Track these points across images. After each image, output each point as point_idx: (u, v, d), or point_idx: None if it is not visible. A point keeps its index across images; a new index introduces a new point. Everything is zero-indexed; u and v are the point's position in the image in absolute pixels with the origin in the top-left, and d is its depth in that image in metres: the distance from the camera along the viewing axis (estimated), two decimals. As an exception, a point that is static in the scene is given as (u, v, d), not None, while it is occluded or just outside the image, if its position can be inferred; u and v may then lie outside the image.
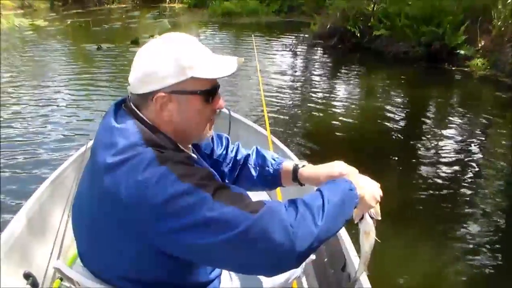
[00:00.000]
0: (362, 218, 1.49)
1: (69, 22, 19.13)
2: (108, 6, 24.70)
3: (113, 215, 1.21)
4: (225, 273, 1.67)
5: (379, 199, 1.47)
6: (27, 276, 2.11)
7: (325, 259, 2.50)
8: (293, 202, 1.23)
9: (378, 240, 1.50)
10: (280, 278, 1.82)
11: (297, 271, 1.95)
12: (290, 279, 1.91)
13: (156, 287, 1.31)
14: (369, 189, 1.44)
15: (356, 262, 2.04)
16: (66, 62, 11.78)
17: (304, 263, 1.67)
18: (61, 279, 1.80)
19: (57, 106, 7.81)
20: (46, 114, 7.34)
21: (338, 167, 1.57)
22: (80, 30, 17.47)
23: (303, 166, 1.70)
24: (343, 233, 2.30)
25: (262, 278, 1.76)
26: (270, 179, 1.76)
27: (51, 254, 2.47)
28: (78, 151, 3.33)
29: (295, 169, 1.70)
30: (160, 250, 1.21)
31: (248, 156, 1.79)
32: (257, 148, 1.82)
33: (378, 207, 1.49)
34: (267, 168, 1.75)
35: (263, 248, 1.14)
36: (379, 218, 1.49)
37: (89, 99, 8.23)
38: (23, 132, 6.53)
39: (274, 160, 1.77)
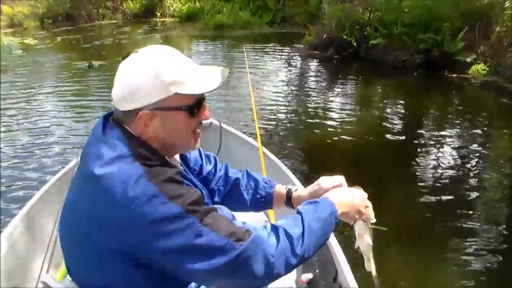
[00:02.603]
0: (355, 221, 1.52)
1: (59, 40, 18.89)
2: (99, 22, 24.45)
3: (100, 229, 1.21)
4: None
5: (364, 211, 1.49)
6: None
7: (316, 271, 2.48)
8: (275, 230, 1.29)
9: (371, 243, 1.53)
10: None
11: (288, 284, 2.07)
12: None
13: None
14: (352, 204, 1.47)
15: (347, 272, 2.07)
16: (57, 81, 11.52)
17: (296, 275, 2.01)
18: None
19: (49, 124, 7.76)
20: (36, 132, 7.37)
21: (324, 183, 1.63)
22: (70, 47, 17.22)
23: (296, 190, 1.75)
24: (334, 244, 2.30)
25: None
26: (262, 202, 1.77)
27: (41, 268, 2.49)
28: (67, 165, 3.34)
29: (289, 193, 1.74)
30: (146, 265, 1.22)
31: (238, 178, 1.79)
32: (247, 171, 1.83)
33: (369, 211, 1.51)
34: (259, 191, 1.77)
35: (244, 275, 1.22)
36: (373, 221, 1.52)
37: (81, 117, 8.16)
38: (13, 149, 6.61)
39: (266, 183, 1.79)
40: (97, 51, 15.77)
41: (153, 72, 1.26)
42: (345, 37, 12.21)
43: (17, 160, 6.18)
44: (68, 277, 1.41)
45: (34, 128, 7.51)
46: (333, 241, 2.28)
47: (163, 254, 1.17)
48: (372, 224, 1.53)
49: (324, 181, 1.65)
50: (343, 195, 1.50)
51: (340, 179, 1.64)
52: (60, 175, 3.13)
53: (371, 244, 1.53)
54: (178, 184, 1.24)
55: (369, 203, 1.52)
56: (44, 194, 2.89)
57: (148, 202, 1.15)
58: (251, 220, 1.39)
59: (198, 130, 1.41)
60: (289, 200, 1.74)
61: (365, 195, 1.53)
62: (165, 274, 1.24)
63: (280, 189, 1.77)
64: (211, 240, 1.18)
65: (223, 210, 1.36)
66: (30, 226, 2.65)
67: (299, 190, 1.75)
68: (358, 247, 1.56)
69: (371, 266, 1.58)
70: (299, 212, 1.37)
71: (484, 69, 9.91)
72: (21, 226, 2.55)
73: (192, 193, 1.24)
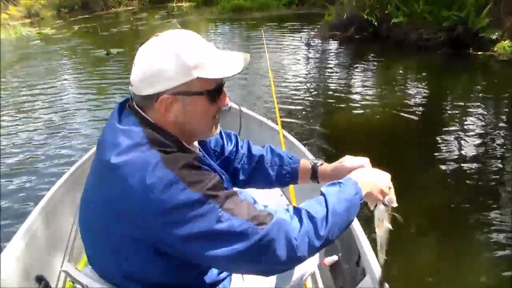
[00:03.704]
0: (376, 205, 1.50)
1: (76, 29, 18.91)
2: (115, 9, 24.45)
3: (119, 217, 1.20)
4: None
5: (387, 191, 1.46)
6: (39, 279, 2.15)
7: (340, 254, 2.46)
8: (298, 212, 1.25)
9: (391, 228, 1.50)
10: (295, 275, 1.84)
11: (311, 268, 1.98)
12: (304, 276, 1.93)
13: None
14: (375, 183, 1.44)
15: (370, 256, 2.01)
16: (76, 70, 11.51)
17: (318, 260, 1.98)
18: (73, 282, 1.69)
19: (67, 113, 7.80)
20: (54, 122, 7.40)
21: (348, 162, 1.62)
22: (88, 35, 17.23)
23: (321, 164, 1.74)
24: (357, 228, 2.23)
25: (277, 276, 1.75)
26: (287, 177, 1.76)
27: (63, 256, 2.57)
28: (86, 154, 3.32)
29: (314, 168, 1.73)
30: (166, 252, 1.21)
31: (262, 155, 1.78)
32: (270, 147, 1.81)
33: (392, 194, 1.49)
34: (285, 166, 1.76)
35: (267, 260, 1.18)
36: (394, 205, 1.49)
37: (100, 105, 8.18)
38: (34, 138, 6.66)
39: (291, 158, 1.78)
40: (114, 39, 15.80)
41: (175, 55, 1.24)
42: (365, 16, 11.93)
43: (36, 149, 6.23)
44: (89, 265, 1.42)
45: (52, 119, 7.49)
46: (356, 224, 2.24)
47: (184, 241, 1.15)
48: (392, 209, 1.50)
49: (348, 159, 1.64)
50: (366, 174, 1.47)
51: (364, 160, 1.62)
52: (79, 164, 3.10)
53: (391, 228, 1.51)
54: (196, 170, 1.21)
55: (391, 185, 1.50)
56: (64, 183, 2.86)
57: (166, 189, 1.13)
58: (272, 203, 1.37)
59: (218, 116, 1.39)
60: (314, 174, 1.73)
61: (389, 175, 1.50)
62: (185, 261, 1.24)
63: (305, 163, 1.76)
64: (232, 224, 1.15)
65: (244, 194, 1.33)
66: (50, 216, 2.63)
67: (325, 164, 1.74)
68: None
69: (382, 254, 1.58)
70: (322, 194, 1.33)
71: (510, 46, 9.64)
72: (41, 217, 2.53)
73: (211, 178, 1.21)
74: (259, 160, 1.77)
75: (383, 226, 1.51)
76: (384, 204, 1.48)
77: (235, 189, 1.44)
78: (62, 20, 21.96)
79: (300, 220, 1.23)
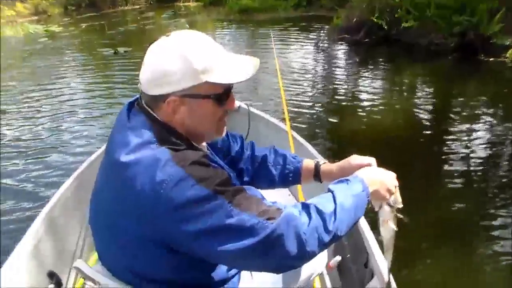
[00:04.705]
0: (381, 206, 1.50)
1: (83, 26, 18.86)
2: (122, 7, 24.40)
3: (129, 215, 1.21)
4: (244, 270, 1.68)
5: (393, 190, 1.47)
6: (51, 275, 2.17)
7: (348, 255, 2.45)
8: (306, 207, 1.25)
9: (396, 229, 1.50)
10: (303, 275, 1.83)
11: (319, 268, 1.97)
12: (312, 276, 1.92)
13: (173, 285, 1.32)
14: (382, 182, 1.44)
15: (378, 257, 2.02)
16: (83, 68, 11.49)
17: (326, 260, 2.00)
18: (84, 278, 1.69)
19: (74, 112, 7.83)
20: (63, 120, 7.40)
21: (354, 160, 1.63)
22: (95, 34, 17.17)
23: (324, 163, 1.76)
24: (365, 229, 2.25)
25: (284, 275, 1.75)
26: (290, 177, 1.78)
27: (74, 252, 2.64)
28: (97, 150, 3.36)
29: (317, 167, 1.75)
30: (176, 250, 1.22)
31: (266, 155, 1.79)
32: (274, 148, 1.83)
33: (398, 194, 1.49)
34: (287, 166, 1.77)
35: (277, 255, 1.17)
36: (400, 206, 1.49)
37: (108, 103, 8.18)
38: (42, 136, 6.67)
39: (294, 158, 1.79)
40: (121, 37, 15.74)
41: (185, 59, 1.25)
42: (375, 20, 11.82)
43: (44, 148, 6.21)
44: (100, 262, 1.43)
45: (60, 119, 7.46)
46: (364, 225, 2.26)
47: (194, 237, 1.16)
48: (398, 210, 1.50)
49: (354, 158, 1.65)
50: (373, 173, 1.48)
51: (370, 160, 1.62)
52: (89, 163, 3.13)
53: (396, 230, 1.51)
54: (205, 167, 1.23)
55: (397, 184, 1.50)
56: (75, 180, 2.89)
57: (176, 186, 1.14)
58: (280, 201, 1.33)
59: (224, 118, 1.41)
60: (317, 173, 1.75)
61: (394, 174, 1.50)
62: (195, 258, 1.24)
63: (308, 163, 1.78)
64: (242, 220, 1.16)
65: (252, 190, 1.30)
66: (62, 213, 2.66)
67: (327, 164, 1.77)
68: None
69: (389, 256, 1.59)
70: (330, 190, 1.34)
71: (522, 52, 9.50)
72: (53, 214, 2.56)
73: (220, 175, 1.22)
74: (262, 160, 1.79)
75: (388, 227, 1.51)
76: (389, 205, 1.49)
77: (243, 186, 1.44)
78: (69, 18, 21.92)
79: (309, 215, 1.23)
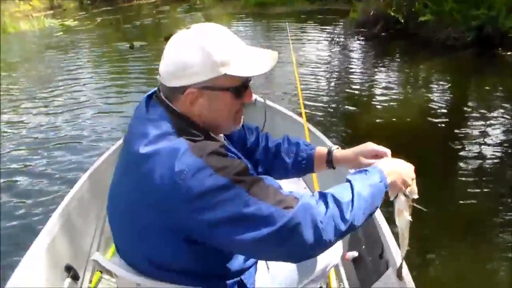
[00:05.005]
0: (396, 196, 1.49)
1: (99, 21, 18.95)
2: (137, 1, 24.47)
3: (147, 206, 1.22)
4: (261, 261, 1.69)
5: (410, 182, 1.47)
6: (68, 268, 2.24)
7: (363, 246, 2.47)
8: (323, 196, 1.26)
9: (411, 220, 1.51)
10: (319, 266, 1.84)
11: (334, 260, 1.97)
12: (327, 267, 1.93)
13: (190, 276, 1.32)
14: (400, 173, 1.44)
15: (394, 248, 2.04)
16: (100, 63, 11.57)
17: (342, 251, 1.99)
18: (101, 272, 1.82)
19: (93, 106, 7.89)
20: (80, 115, 7.43)
21: (369, 147, 1.63)
22: (110, 28, 17.26)
23: (337, 148, 1.77)
24: (380, 220, 2.26)
25: (301, 266, 1.77)
26: (304, 164, 1.78)
27: (91, 246, 2.66)
28: (114, 145, 3.38)
29: (330, 152, 1.75)
30: (194, 240, 1.23)
31: (279, 144, 1.81)
32: (287, 137, 1.84)
33: (414, 185, 1.49)
34: (301, 153, 1.78)
35: (294, 243, 1.18)
36: (415, 196, 1.50)
37: (125, 97, 8.24)
38: (60, 130, 6.77)
39: (307, 145, 1.81)
40: (137, 32, 15.84)
41: (205, 51, 1.26)
42: (392, 13, 11.71)
43: (63, 141, 6.27)
44: (117, 255, 1.44)
45: (78, 114, 7.51)
46: (380, 217, 2.27)
47: (213, 226, 1.16)
48: (414, 200, 1.51)
49: (370, 144, 1.65)
50: (391, 164, 1.48)
51: (385, 149, 1.62)
52: (107, 156, 3.15)
53: (411, 220, 1.51)
54: (223, 157, 1.23)
55: (414, 176, 1.50)
56: (92, 174, 2.91)
57: (194, 175, 1.15)
58: (297, 191, 1.33)
59: (241, 110, 1.42)
60: (330, 160, 1.75)
61: (413, 166, 1.51)
62: (212, 249, 1.25)
63: (321, 149, 1.78)
64: (260, 208, 1.16)
65: (270, 179, 1.29)
66: (79, 206, 2.67)
67: (340, 150, 1.77)
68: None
69: (404, 246, 1.59)
70: (348, 180, 1.35)
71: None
72: (70, 208, 2.57)
73: (237, 164, 1.23)
74: (276, 150, 1.80)
75: (403, 217, 1.51)
76: (405, 195, 1.49)
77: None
78: (85, 12, 22.05)
79: (326, 204, 1.23)
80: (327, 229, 1.20)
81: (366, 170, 1.40)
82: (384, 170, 1.40)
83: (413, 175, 1.49)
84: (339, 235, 1.24)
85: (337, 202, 1.24)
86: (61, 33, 16.56)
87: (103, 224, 2.77)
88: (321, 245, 1.22)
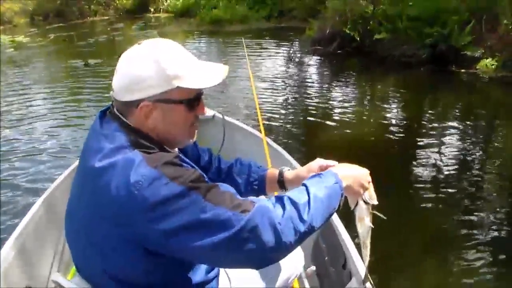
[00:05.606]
0: (357, 204, 1.52)
1: (52, 37, 18.49)
2: (91, 18, 24.10)
3: (104, 218, 1.22)
4: (223, 273, 1.70)
5: (367, 185, 1.51)
6: None
7: (326, 258, 2.49)
8: (280, 199, 1.28)
9: (372, 226, 1.53)
10: (281, 277, 1.86)
11: (298, 271, 2.00)
12: (290, 278, 1.95)
13: None
14: (355, 176, 1.48)
15: (356, 258, 2.07)
16: (53, 81, 11.20)
17: (304, 262, 2.02)
18: None
19: (47, 126, 7.57)
20: (34, 135, 7.15)
21: (318, 162, 1.68)
22: (64, 45, 16.86)
23: (288, 169, 1.81)
24: (342, 231, 2.31)
25: (263, 277, 1.79)
26: (255, 185, 1.81)
27: (51, 267, 2.63)
28: (70, 167, 3.31)
29: (281, 173, 1.79)
30: (154, 252, 1.22)
31: (232, 165, 1.85)
32: (240, 159, 1.88)
33: (372, 191, 1.52)
34: (252, 174, 1.81)
35: (254, 247, 1.18)
36: (375, 202, 1.52)
37: (80, 116, 8.03)
38: (12, 152, 6.44)
39: (259, 167, 1.85)
40: (91, 49, 15.50)
41: (157, 64, 1.28)
42: (348, 31, 11.86)
43: (17, 164, 6.00)
44: (78, 275, 1.43)
45: (31, 133, 7.26)
46: (341, 228, 2.30)
47: (170, 235, 1.16)
48: (373, 208, 1.53)
49: (319, 161, 1.70)
50: (346, 168, 1.52)
51: (334, 163, 1.65)
52: (64, 177, 3.10)
53: (372, 227, 1.53)
54: (178, 166, 1.25)
55: (370, 180, 1.54)
56: (49, 196, 2.86)
57: (150, 185, 1.16)
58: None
59: (195, 124, 1.44)
60: (281, 180, 1.79)
61: (368, 171, 1.54)
62: (172, 260, 1.26)
63: (273, 171, 1.83)
64: (217, 213, 1.17)
65: (225, 186, 1.31)
66: (37, 228, 2.63)
67: (291, 170, 1.81)
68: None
69: (366, 255, 1.60)
70: (303, 184, 1.37)
71: (493, 64, 9.68)
72: (29, 229, 2.53)
73: (192, 172, 1.24)
74: (228, 170, 1.85)
75: (364, 224, 1.53)
76: (365, 202, 1.51)
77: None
78: (36, 28, 21.48)
79: (283, 206, 1.25)
80: (286, 231, 1.21)
81: (320, 174, 1.43)
82: (338, 173, 1.43)
83: (369, 178, 1.53)
84: (298, 236, 1.24)
85: (294, 204, 1.26)
86: (12, 49, 16.09)
87: (63, 245, 2.73)
88: (282, 247, 1.22)
